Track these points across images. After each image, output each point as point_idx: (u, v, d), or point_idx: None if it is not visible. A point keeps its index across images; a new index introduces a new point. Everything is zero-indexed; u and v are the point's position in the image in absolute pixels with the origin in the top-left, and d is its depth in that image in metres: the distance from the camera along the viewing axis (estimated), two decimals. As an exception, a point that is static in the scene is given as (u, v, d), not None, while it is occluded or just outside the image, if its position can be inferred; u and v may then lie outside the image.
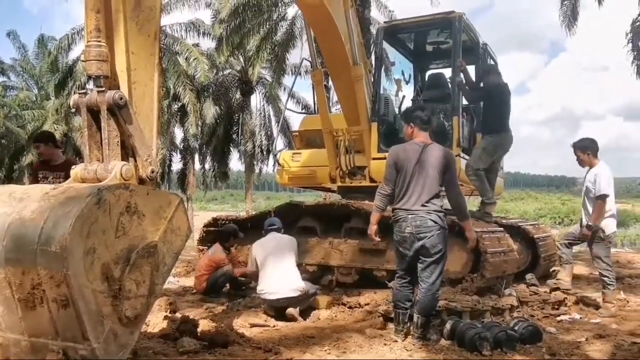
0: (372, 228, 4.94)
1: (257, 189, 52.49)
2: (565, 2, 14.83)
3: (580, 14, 15.14)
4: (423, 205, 4.55)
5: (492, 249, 6.16)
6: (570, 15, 14.93)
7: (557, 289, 6.51)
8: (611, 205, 6.14)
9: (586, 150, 6.30)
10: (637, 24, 13.21)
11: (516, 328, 4.58)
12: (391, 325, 5.15)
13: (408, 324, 4.72)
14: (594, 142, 6.34)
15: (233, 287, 7.22)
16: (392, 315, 4.92)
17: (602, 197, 6.04)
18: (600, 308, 5.97)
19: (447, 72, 8.33)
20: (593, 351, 4.40)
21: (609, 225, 6.18)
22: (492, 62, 8.67)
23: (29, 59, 32.90)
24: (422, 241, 4.51)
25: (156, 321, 4.44)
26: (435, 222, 4.53)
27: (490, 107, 7.29)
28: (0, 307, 2.69)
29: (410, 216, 4.57)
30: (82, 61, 3.33)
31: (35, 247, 2.51)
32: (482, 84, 7.57)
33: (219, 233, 7.74)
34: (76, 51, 25.01)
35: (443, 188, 4.74)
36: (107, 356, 2.61)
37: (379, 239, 5.01)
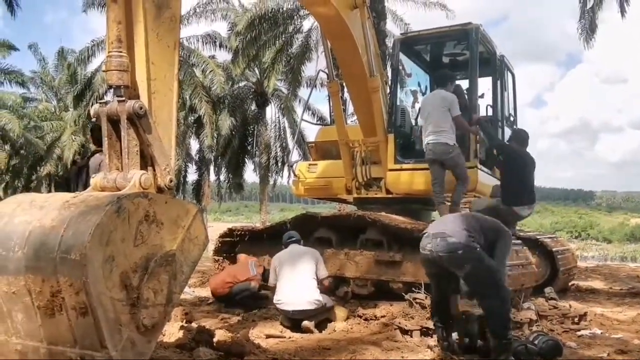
0: None
1: (272, 200, 52.52)
2: (585, 15, 14.74)
3: (599, 25, 15.04)
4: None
5: (510, 262, 6.08)
6: (588, 27, 14.83)
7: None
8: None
9: None
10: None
11: (536, 342, 4.50)
12: (409, 338, 5.12)
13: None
14: None
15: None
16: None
17: None
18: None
19: (464, 84, 8.31)
20: (615, 367, 4.31)
21: None
22: (509, 74, 8.62)
23: (49, 71, 33.39)
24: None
25: (172, 331, 4.44)
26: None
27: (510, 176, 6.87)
28: (19, 314, 2.70)
29: None
30: (103, 71, 3.35)
31: (56, 255, 2.52)
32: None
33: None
34: (95, 63, 25.37)
35: None
36: (124, 365, 2.61)
37: None
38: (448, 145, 6.83)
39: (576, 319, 5.86)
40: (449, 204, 7.14)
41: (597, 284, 9.67)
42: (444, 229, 4.48)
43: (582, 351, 4.81)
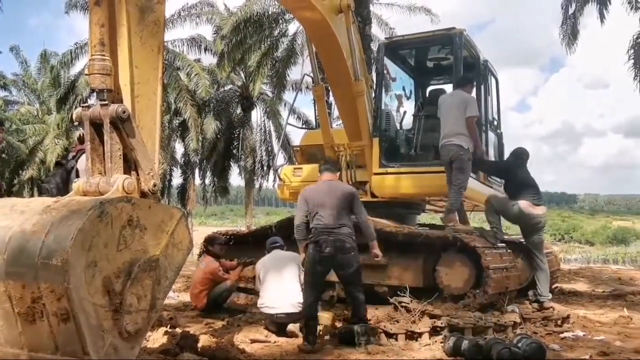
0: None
1: (257, 204, 52.44)
2: (566, 20, 14.94)
3: (581, 31, 15.24)
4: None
5: (494, 264, 6.13)
6: (570, 33, 15.03)
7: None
8: None
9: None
10: (639, 40, 13.30)
11: (519, 345, 4.54)
12: (394, 342, 5.13)
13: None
14: None
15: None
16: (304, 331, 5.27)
17: None
18: None
19: (448, 88, 8.37)
20: (597, 369, 4.36)
21: None
22: (493, 79, 8.70)
23: (31, 73, 33.06)
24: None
25: (156, 336, 4.41)
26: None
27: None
28: (0, 321, 2.66)
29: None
30: (86, 74, 3.30)
31: (37, 261, 2.49)
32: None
33: (206, 243, 7.74)
34: (78, 66, 25.16)
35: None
36: (107, 371, 2.58)
37: None
38: (462, 148, 6.86)
39: (559, 322, 5.92)
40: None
41: (580, 286, 9.77)
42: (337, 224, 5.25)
43: (565, 353, 4.86)
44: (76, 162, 5.78)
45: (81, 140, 5.99)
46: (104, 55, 3.00)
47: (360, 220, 5.42)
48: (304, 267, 5.45)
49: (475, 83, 7.59)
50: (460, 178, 6.86)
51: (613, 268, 15.34)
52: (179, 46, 25.35)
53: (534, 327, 5.73)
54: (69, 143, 27.26)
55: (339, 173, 5.76)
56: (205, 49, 25.64)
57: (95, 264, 2.57)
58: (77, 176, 5.48)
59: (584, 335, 5.60)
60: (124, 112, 2.98)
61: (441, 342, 5.00)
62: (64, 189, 5.44)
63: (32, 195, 27.61)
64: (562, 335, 5.55)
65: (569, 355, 4.77)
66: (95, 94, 3.07)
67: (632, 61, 13.70)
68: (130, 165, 3.13)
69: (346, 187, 5.50)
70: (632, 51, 13.65)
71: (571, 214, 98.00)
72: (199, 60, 26.23)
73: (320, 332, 5.78)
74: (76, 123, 3.16)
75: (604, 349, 4.92)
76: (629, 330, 5.88)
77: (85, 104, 3.10)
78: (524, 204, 6.69)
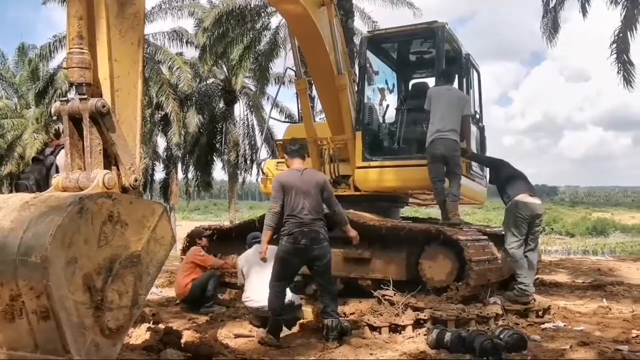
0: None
1: (241, 198, 52.30)
2: (547, 14, 15.02)
3: (562, 25, 15.34)
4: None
5: (476, 257, 6.18)
6: (551, 26, 15.12)
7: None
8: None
9: None
10: (621, 35, 13.39)
11: (501, 336, 4.59)
12: (378, 335, 5.15)
13: None
14: None
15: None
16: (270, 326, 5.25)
17: None
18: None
19: (431, 82, 8.39)
20: (577, 358, 4.42)
21: None
22: (475, 72, 8.74)
23: (9, 67, 32.51)
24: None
25: (139, 332, 4.37)
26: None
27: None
28: (-23, 319, 2.62)
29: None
30: (64, 68, 3.24)
31: (15, 258, 2.45)
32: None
33: (190, 239, 7.88)
34: (57, 59, 24.76)
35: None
36: (88, 369, 2.55)
37: None
38: (457, 143, 6.92)
39: (540, 313, 5.99)
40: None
41: (561, 277, 9.90)
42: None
43: (546, 344, 4.92)
44: (55, 157, 5.69)
45: (58, 135, 5.91)
46: (82, 48, 2.95)
47: (334, 209, 5.36)
48: (275, 259, 5.29)
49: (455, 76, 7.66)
50: (457, 171, 6.99)
51: (593, 259, 15.56)
52: (160, 39, 25.12)
53: (515, 319, 5.80)
54: (49, 137, 26.88)
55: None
56: (187, 42, 25.43)
57: (76, 260, 2.54)
58: (57, 172, 5.40)
59: (564, 325, 5.68)
60: (103, 106, 2.94)
61: (424, 335, 5.03)
62: (43, 185, 5.36)
63: (11, 191, 27.22)
64: (543, 326, 5.62)
65: (550, 346, 4.84)
66: (74, 87, 3.01)
67: (615, 56, 13.79)
68: (110, 160, 3.08)
69: (318, 175, 5.43)
70: (614, 46, 13.74)
71: (552, 205, 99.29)
72: (180, 54, 25.99)
73: (304, 327, 5.80)
74: (55, 117, 3.11)
75: (584, 339, 4.99)
76: (607, 320, 5.98)
77: (64, 98, 3.04)
78: (520, 196, 6.59)
